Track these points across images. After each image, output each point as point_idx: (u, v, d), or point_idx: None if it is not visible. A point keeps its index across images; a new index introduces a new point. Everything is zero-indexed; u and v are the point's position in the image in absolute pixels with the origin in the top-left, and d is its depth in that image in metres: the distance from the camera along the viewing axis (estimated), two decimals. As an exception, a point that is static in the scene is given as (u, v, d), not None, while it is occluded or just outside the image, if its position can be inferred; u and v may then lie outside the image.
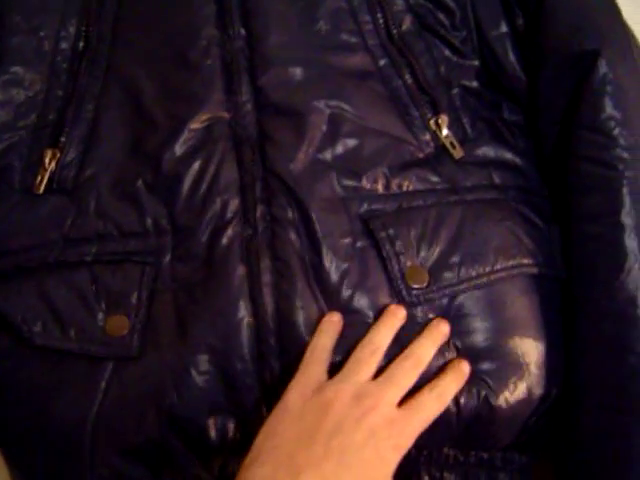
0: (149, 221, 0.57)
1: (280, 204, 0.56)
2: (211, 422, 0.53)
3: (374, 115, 0.59)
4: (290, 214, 0.55)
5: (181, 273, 0.55)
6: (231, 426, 0.53)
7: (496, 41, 0.62)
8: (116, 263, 0.56)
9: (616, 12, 0.60)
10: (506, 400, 0.53)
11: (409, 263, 0.54)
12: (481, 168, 0.59)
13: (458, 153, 0.59)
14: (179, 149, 0.58)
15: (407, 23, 0.62)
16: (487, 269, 0.55)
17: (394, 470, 0.48)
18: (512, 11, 0.63)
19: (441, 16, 0.63)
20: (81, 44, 0.63)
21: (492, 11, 0.63)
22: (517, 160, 0.61)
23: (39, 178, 0.59)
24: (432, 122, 0.60)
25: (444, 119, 0.60)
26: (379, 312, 0.53)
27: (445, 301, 0.54)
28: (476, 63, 0.63)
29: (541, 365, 0.55)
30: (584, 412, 0.55)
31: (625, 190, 0.55)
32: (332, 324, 0.53)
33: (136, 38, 0.63)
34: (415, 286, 0.54)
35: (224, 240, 0.55)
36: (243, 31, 0.61)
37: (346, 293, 0.54)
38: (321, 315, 0.53)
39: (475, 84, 0.63)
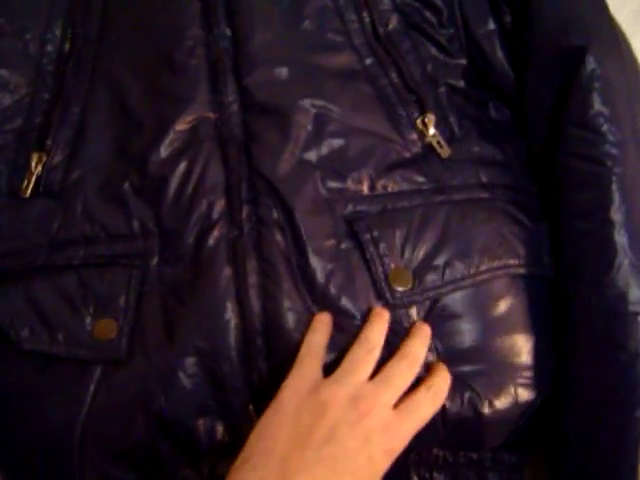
0: (136, 223, 0.57)
1: (266, 204, 0.55)
2: (200, 424, 0.52)
3: (360, 114, 0.58)
4: (275, 215, 0.55)
5: (168, 275, 0.55)
6: (220, 428, 0.53)
7: (484, 38, 0.62)
8: (103, 266, 0.56)
9: (603, 8, 0.60)
10: (492, 404, 0.53)
11: (393, 265, 0.54)
12: (468, 167, 0.59)
13: (445, 152, 0.59)
14: (165, 150, 0.57)
15: (394, 22, 0.62)
16: (472, 270, 0.55)
17: (383, 472, 0.48)
18: (499, 8, 0.62)
19: (428, 14, 0.63)
20: (67, 46, 0.63)
21: (479, 8, 0.63)
22: (505, 158, 0.60)
23: (26, 182, 0.59)
24: (419, 121, 0.59)
25: (431, 118, 0.59)
26: (365, 314, 0.53)
27: (429, 303, 0.54)
28: (463, 62, 0.63)
29: (529, 367, 0.55)
30: (575, 409, 0.55)
31: (614, 186, 0.55)
32: (323, 323, 0.53)
33: (122, 39, 0.63)
34: (399, 288, 0.54)
35: (210, 241, 0.55)
36: (228, 31, 0.60)
37: (333, 294, 0.53)
38: (308, 315, 0.53)
39: (462, 83, 0.62)
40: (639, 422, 0.52)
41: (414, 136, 0.59)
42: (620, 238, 0.54)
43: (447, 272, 0.54)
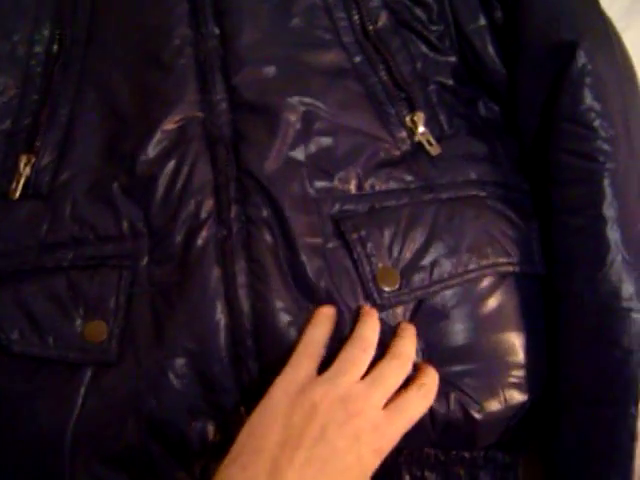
0: (125, 224, 0.56)
1: (254, 203, 0.55)
2: (191, 426, 0.52)
3: (349, 113, 0.58)
4: (265, 213, 0.55)
5: (158, 276, 0.55)
6: (211, 429, 0.52)
7: (474, 34, 0.62)
8: (93, 268, 0.56)
9: (594, 2, 0.60)
10: (483, 405, 0.53)
11: (380, 265, 0.54)
12: (458, 164, 0.58)
13: (435, 150, 0.58)
14: (153, 150, 0.57)
15: (383, 19, 0.62)
16: (460, 269, 0.54)
17: (372, 472, 0.48)
18: (490, 4, 0.62)
19: (418, 11, 0.63)
20: (55, 47, 0.63)
21: (470, 4, 0.62)
22: (495, 156, 0.60)
23: (14, 184, 0.59)
24: (408, 119, 0.59)
25: (420, 116, 0.59)
26: (354, 313, 0.53)
27: (416, 303, 0.54)
28: (453, 59, 0.62)
29: (521, 366, 0.55)
30: (569, 406, 0.55)
31: (606, 182, 0.55)
32: (325, 317, 0.52)
33: (110, 40, 0.62)
34: (386, 288, 0.53)
35: (199, 241, 0.54)
36: (216, 30, 0.60)
37: (322, 292, 0.53)
38: (298, 314, 0.53)
39: (452, 81, 0.62)
40: (634, 419, 0.52)
41: (403, 134, 0.59)
42: (612, 234, 0.54)
43: (435, 271, 0.54)
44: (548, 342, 0.57)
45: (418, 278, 0.54)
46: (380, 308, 0.53)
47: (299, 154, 0.56)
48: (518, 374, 0.54)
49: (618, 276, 0.53)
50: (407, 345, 0.52)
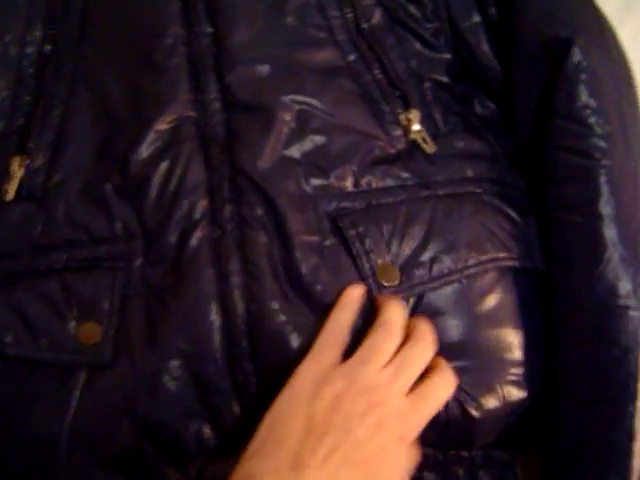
0: (119, 225, 0.56)
1: (248, 203, 0.55)
2: (186, 428, 0.52)
3: (343, 111, 0.58)
4: (259, 212, 0.54)
5: (152, 277, 0.54)
6: (207, 431, 0.52)
7: (469, 32, 0.62)
8: (87, 270, 0.55)
9: (589, -2, 0.60)
10: (481, 402, 0.53)
11: (380, 261, 0.53)
12: (454, 162, 0.58)
13: (430, 148, 0.58)
14: (145, 150, 0.57)
15: (377, 17, 0.62)
16: (460, 265, 0.54)
17: (404, 462, 0.47)
18: (484, 1, 0.62)
19: (412, 9, 0.62)
20: (47, 48, 0.62)
21: (464, 1, 0.62)
22: (491, 153, 0.60)
23: (7, 186, 0.58)
24: (403, 117, 0.59)
25: (415, 114, 0.59)
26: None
27: (416, 299, 0.53)
28: (448, 56, 0.62)
29: (520, 363, 0.54)
30: (567, 405, 0.55)
31: (602, 179, 0.54)
32: (353, 299, 0.51)
33: (103, 40, 0.62)
34: (386, 284, 0.53)
35: (193, 242, 0.54)
36: (209, 29, 0.60)
37: (319, 290, 0.52)
38: (293, 315, 0.52)
39: (446, 78, 0.62)
40: (632, 417, 0.51)
41: (398, 132, 0.58)
42: (609, 231, 0.54)
43: (435, 267, 0.54)
44: (546, 341, 0.56)
45: (418, 274, 0.53)
46: None
47: (294, 152, 0.56)
48: (516, 371, 0.54)
49: (615, 274, 0.53)
50: (428, 330, 0.51)
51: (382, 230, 0.54)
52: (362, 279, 0.53)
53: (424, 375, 0.50)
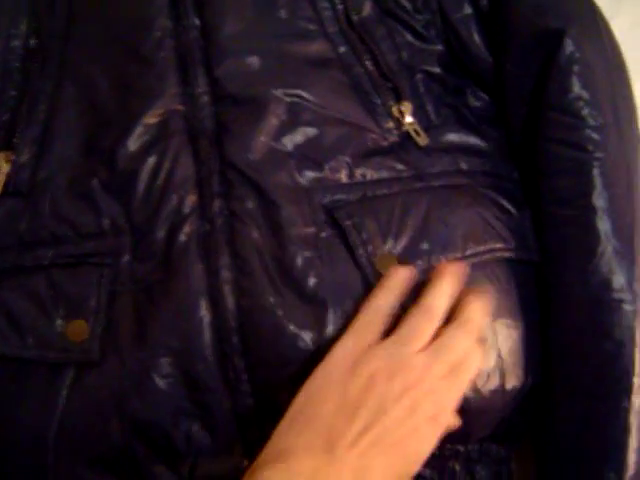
0: (106, 221, 0.55)
1: (238, 196, 0.54)
2: (176, 426, 0.51)
3: (335, 103, 0.57)
4: (250, 205, 0.54)
5: (140, 273, 0.54)
6: (197, 429, 0.51)
7: (460, 23, 0.61)
8: (74, 266, 0.54)
9: (581, -12, 0.59)
10: (477, 391, 0.52)
11: (378, 251, 0.53)
12: (447, 154, 0.58)
13: (423, 140, 0.58)
14: (133, 144, 0.56)
15: (367, 9, 0.61)
16: (457, 255, 0.53)
17: (434, 441, 0.47)
18: (475, -8, 0.61)
19: (402, 0, 0.62)
20: (33, 41, 0.62)
21: (455, -7, 0.62)
22: (483, 145, 0.59)
23: (-6, 182, 0.57)
24: (395, 109, 0.58)
25: (407, 106, 0.58)
26: (348, 300, 0.51)
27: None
28: (439, 48, 0.62)
29: (515, 353, 0.54)
30: (562, 400, 0.54)
31: (596, 171, 0.54)
32: (398, 281, 0.50)
33: (89, 33, 0.61)
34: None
35: (182, 237, 0.53)
36: (197, 21, 0.59)
37: (312, 283, 0.52)
38: (284, 310, 0.51)
39: (438, 69, 0.61)
40: (627, 412, 0.51)
41: (390, 124, 0.58)
42: (603, 224, 0.53)
43: (432, 258, 0.53)
44: (540, 335, 0.56)
45: (417, 265, 0.53)
46: None
47: (286, 145, 0.56)
48: (513, 361, 0.53)
49: (609, 267, 0.53)
50: (476, 311, 0.50)
51: (378, 221, 0.53)
52: (359, 269, 0.52)
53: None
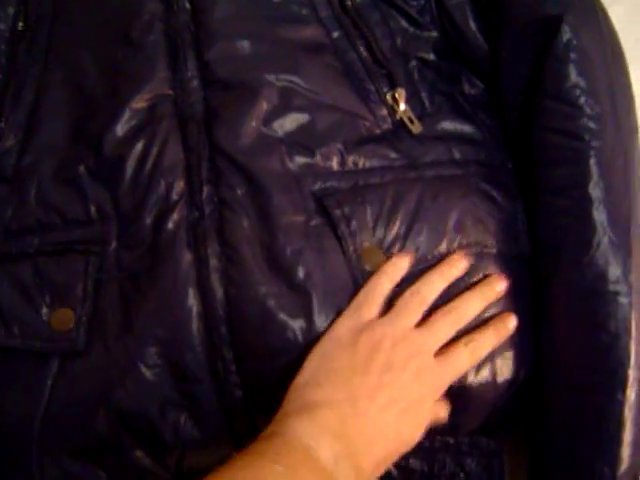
0: (93, 208, 0.55)
1: (228, 184, 0.53)
2: (163, 417, 0.51)
3: (327, 89, 0.56)
4: (239, 192, 0.53)
5: (127, 261, 0.53)
6: (184, 420, 0.51)
7: (455, 9, 0.60)
8: (60, 254, 0.54)
9: (579, -24, 0.58)
10: (469, 382, 0.52)
11: (366, 244, 0.52)
12: (440, 143, 0.57)
13: (416, 128, 0.57)
14: (121, 129, 0.55)
15: (361, -7, 0.60)
16: (446, 249, 0.53)
17: (428, 420, 0.49)
18: (470, -23, 0.60)
19: (397, -15, 0.61)
20: (20, 24, 0.60)
21: (450, -22, 0.61)
22: (478, 134, 0.59)
23: (-22, 167, 0.56)
24: (389, 96, 0.57)
25: (401, 93, 0.57)
26: (336, 291, 0.51)
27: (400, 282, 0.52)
28: (434, 34, 0.61)
29: (507, 346, 0.53)
30: (555, 392, 0.54)
31: (592, 161, 0.53)
32: (396, 269, 0.52)
33: (77, 16, 0.60)
34: (369, 269, 0.52)
35: (170, 225, 0.52)
36: (188, 4, 0.58)
37: (301, 273, 0.51)
38: (273, 299, 0.51)
39: (433, 56, 0.60)
40: (622, 405, 0.51)
41: (384, 112, 0.57)
42: (599, 215, 0.52)
43: (420, 251, 0.53)
44: (534, 327, 0.55)
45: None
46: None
47: (276, 130, 0.55)
48: (505, 353, 0.53)
49: (605, 259, 0.52)
50: (469, 301, 0.52)
51: (368, 211, 0.53)
52: (347, 261, 0.52)
53: (451, 342, 0.51)
